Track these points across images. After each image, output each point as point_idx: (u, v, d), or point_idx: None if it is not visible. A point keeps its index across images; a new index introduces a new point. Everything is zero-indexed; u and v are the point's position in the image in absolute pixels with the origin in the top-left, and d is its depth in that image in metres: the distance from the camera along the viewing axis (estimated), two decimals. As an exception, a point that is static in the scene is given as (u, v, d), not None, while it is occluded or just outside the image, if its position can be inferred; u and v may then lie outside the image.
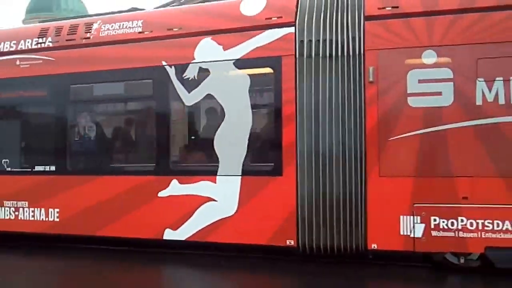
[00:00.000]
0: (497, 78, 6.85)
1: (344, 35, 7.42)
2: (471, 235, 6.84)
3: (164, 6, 14.86)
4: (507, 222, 6.74)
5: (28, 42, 9.13)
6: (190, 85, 8.02)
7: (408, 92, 7.10)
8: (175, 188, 7.97)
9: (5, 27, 9.92)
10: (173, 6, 13.28)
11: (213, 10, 8.32)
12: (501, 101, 6.84)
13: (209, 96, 7.94)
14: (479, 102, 6.89)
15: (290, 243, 7.41)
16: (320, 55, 7.44)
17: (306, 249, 7.41)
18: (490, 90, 6.87)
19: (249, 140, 7.69)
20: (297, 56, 7.50)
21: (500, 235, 6.75)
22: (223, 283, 7.45)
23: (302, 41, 7.51)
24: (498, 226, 6.77)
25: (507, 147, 6.77)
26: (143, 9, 9.41)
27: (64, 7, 44.43)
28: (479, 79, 6.89)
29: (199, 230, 7.83)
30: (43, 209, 8.74)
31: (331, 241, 7.30)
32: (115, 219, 8.24)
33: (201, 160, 8.13)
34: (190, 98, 8.03)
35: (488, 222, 6.79)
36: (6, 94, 9.23)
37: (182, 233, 7.90)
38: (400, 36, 7.23)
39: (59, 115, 8.90)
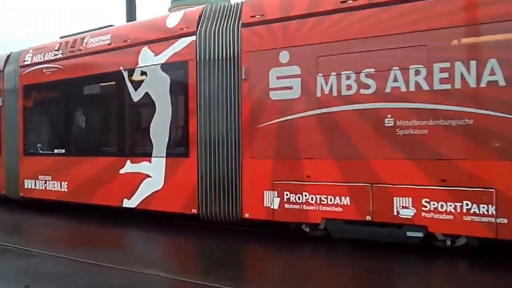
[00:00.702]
0: (331, 73, 7.92)
1: (228, 40, 8.98)
2: (312, 208, 8.12)
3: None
4: (337, 198, 7.89)
5: (50, 54, 12.06)
6: (136, 85, 10.22)
7: (270, 87, 8.48)
8: (128, 166, 10.32)
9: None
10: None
11: (150, 24, 10.35)
12: (334, 93, 7.91)
13: (147, 94, 10.06)
14: (318, 94, 8.04)
15: (194, 211, 9.34)
16: (212, 58, 9.11)
17: (204, 216, 9.28)
18: (326, 83, 7.97)
19: (169, 129, 9.70)
20: (197, 60, 9.26)
21: (334, 209, 7.93)
22: (151, 239, 9.61)
23: (200, 47, 9.24)
24: (332, 200, 7.95)
25: (339, 133, 7.86)
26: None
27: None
28: (319, 74, 8.02)
29: (142, 200, 10.09)
30: (58, 182, 11.72)
31: (220, 211, 9.06)
32: (97, 190, 10.85)
33: (143, 144, 10.31)
34: (136, 96, 10.24)
35: (324, 197, 8.00)
36: (38, 95, 12.31)
37: (133, 202, 10.23)
38: (264, 40, 8.60)
39: (65, 111, 11.77)
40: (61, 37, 12.45)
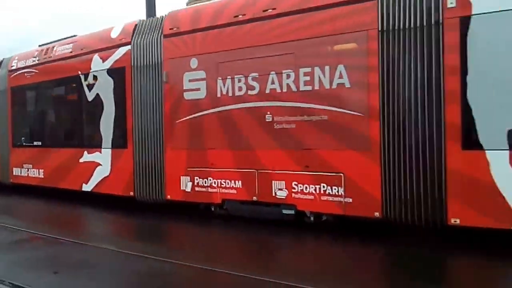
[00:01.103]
0: (228, 77, 9.42)
1: (153, 49, 10.57)
2: (214, 190, 9.66)
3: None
4: (233, 182, 9.41)
5: (29, 60, 13.92)
6: (90, 87, 11.92)
7: (184, 88, 10.03)
8: (85, 156, 12.05)
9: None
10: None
11: (100, 34, 11.99)
12: (230, 93, 9.41)
13: (97, 95, 11.75)
14: (219, 95, 9.55)
15: (131, 194, 11.00)
16: (142, 65, 10.71)
17: (139, 198, 10.94)
18: (224, 85, 9.47)
19: (113, 124, 11.37)
20: (132, 66, 10.88)
21: (230, 191, 9.46)
22: (97, 215, 11.35)
23: (134, 55, 10.86)
24: (229, 184, 9.48)
25: (233, 128, 9.36)
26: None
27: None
28: (219, 78, 9.53)
29: (96, 185, 11.81)
30: (37, 170, 13.61)
31: (149, 194, 10.68)
32: (64, 176, 12.66)
33: (95, 138, 11.99)
34: (90, 96, 11.94)
35: (223, 181, 9.53)
36: (22, 96, 14.22)
37: (89, 187, 11.97)
38: (180, 48, 10.13)
39: (41, 109, 13.63)
40: (40, 45, 14.27)
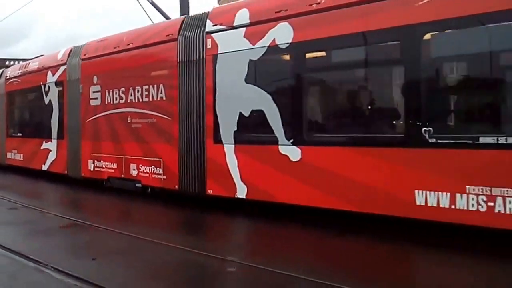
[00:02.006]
0: (110, 90, 13.44)
1: (77, 69, 14.77)
2: (103, 170, 13.74)
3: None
4: (112, 164, 13.43)
5: (16, 72, 18.64)
6: (46, 94, 16.34)
7: (90, 97, 14.15)
8: (44, 145, 16.49)
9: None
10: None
11: (52, 55, 16.36)
12: (111, 102, 13.44)
13: (50, 100, 16.15)
14: (106, 102, 13.60)
15: (65, 172, 15.28)
16: (72, 80, 14.95)
17: (69, 175, 15.20)
18: (108, 96, 13.51)
19: (57, 121, 15.71)
20: (67, 80, 15.16)
21: (111, 171, 13.50)
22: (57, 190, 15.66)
23: (67, 73, 15.13)
24: (110, 166, 13.53)
25: (112, 126, 13.35)
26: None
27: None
28: (106, 90, 13.59)
29: (49, 166, 16.23)
30: (20, 154, 18.31)
31: (74, 172, 14.90)
32: (32, 159, 17.21)
33: (49, 131, 16.33)
34: (46, 101, 16.36)
35: (107, 164, 13.59)
36: (12, 99, 18.99)
37: (45, 167, 16.39)
38: (88, 69, 14.26)
39: (21, 109, 18.33)
40: (23, 60, 18.97)
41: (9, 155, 19.05)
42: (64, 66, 15.24)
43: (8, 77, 19.18)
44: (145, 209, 11.57)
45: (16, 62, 22.34)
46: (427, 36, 7.52)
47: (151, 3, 14.72)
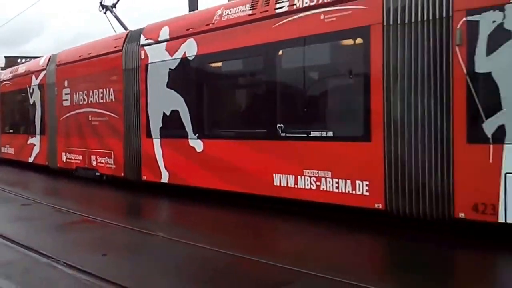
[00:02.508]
0: (76, 92, 15.74)
1: (53, 74, 17.11)
2: (73, 161, 16.04)
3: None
4: (78, 156, 15.72)
5: (8, 75, 21.12)
6: (31, 95, 18.67)
7: (63, 99, 16.48)
8: (30, 140, 18.87)
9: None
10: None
11: (36, 61, 18.75)
12: (77, 103, 15.73)
13: (34, 100, 18.47)
14: (74, 103, 15.91)
15: (46, 163, 17.67)
16: (50, 83, 17.30)
17: (50, 166, 17.57)
18: (76, 97, 15.81)
19: (40, 119, 18.07)
20: (46, 84, 17.50)
21: (78, 161, 15.80)
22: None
23: (47, 77, 17.48)
24: (77, 158, 15.81)
25: (79, 124, 15.64)
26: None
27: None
28: (74, 92, 15.88)
29: (33, 158, 18.63)
30: (11, 148, 20.80)
31: (51, 163, 17.28)
32: (20, 152, 19.62)
33: (34, 128, 18.68)
34: (31, 101, 18.71)
35: (75, 156, 15.89)
36: (5, 99, 21.50)
37: (31, 159, 18.76)
38: (61, 74, 16.57)
39: (12, 108, 20.83)
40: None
41: (3, 149, 21.55)
42: (44, 71, 17.55)
43: (1, 80, 21.67)
44: (101, 194, 13.75)
45: (28, 60, 24.01)
46: (280, 52, 9.54)
47: (114, 16, 16.84)
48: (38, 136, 18.13)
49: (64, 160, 16.33)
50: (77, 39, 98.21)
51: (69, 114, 15.97)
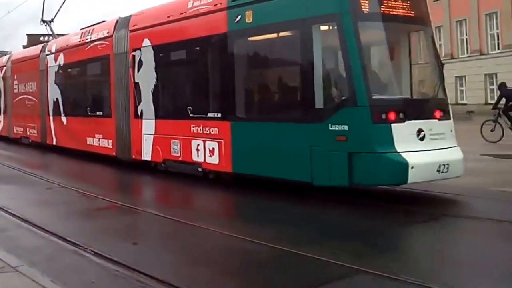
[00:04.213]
0: (20, 83, 22.64)
1: (9, 70, 24.14)
2: (20, 132, 23.14)
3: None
4: (29, 129, 22.75)
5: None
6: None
7: (14, 87, 23.48)
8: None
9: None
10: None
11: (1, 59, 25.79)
12: (19, 90, 22.66)
13: (0, 88, 25.61)
14: (17, 91, 22.85)
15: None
16: (6, 77, 24.36)
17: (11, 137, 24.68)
18: (19, 86, 22.71)
19: (3, 102, 25.23)
20: (5, 77, 24.57)
21: (32, 134, 22.81)
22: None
23: (6, 72, 24.52)
24: (23, 130, 22.83)
25: (23, 105, 22.61)
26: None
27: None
28: (17, 83, 22.80)
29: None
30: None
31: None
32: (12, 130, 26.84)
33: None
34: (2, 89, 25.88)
35: (22, 129, 22.92)
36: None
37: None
38: (16, 69, 23.60)
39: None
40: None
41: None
42: (5, 67, 24.48)
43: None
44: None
45: (51, 38, 24.18)
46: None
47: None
48: (3, 115, 25.21)
49: (16, 131, 23.26)
50: (103, 16, 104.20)
51: (17, 98, 22.89)
